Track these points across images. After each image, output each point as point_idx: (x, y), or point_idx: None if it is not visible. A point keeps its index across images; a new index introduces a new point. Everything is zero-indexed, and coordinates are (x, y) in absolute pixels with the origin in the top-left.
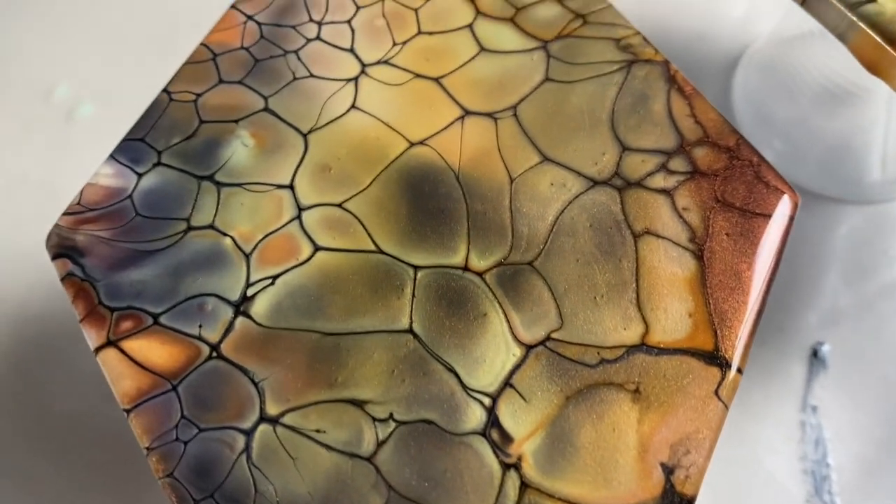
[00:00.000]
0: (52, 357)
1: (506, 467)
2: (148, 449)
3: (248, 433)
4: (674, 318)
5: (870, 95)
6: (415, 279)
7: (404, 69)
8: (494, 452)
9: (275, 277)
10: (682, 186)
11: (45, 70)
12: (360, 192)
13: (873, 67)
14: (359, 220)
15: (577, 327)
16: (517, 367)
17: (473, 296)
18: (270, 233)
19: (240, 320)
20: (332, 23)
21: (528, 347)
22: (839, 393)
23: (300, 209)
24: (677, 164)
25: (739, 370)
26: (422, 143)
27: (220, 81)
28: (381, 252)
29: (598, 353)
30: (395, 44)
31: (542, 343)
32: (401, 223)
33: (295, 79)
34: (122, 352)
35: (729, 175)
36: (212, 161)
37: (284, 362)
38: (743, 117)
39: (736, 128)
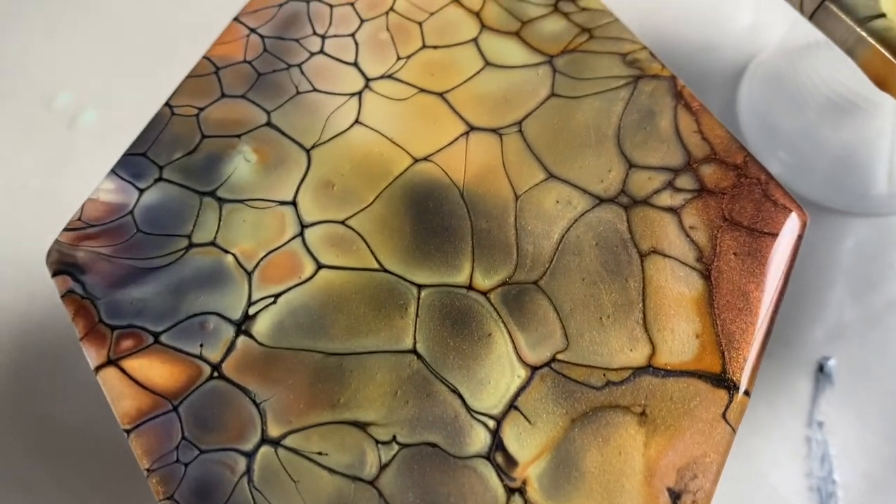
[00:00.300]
0: (52, 366)
1: (510, 492)
2: (148, 470)
3: (250, 455)
4: (681, 340)
5: (876, 107)
6: (418, 298)
7: (408, 84)
8: (499, 476)
9: (277, 296)
10: (690, 205)
11: (47, 77)
12: (363, 208)
13: (882, 83)
14: (362, 238)
15: (583, 348)
16: (522, 388)
17: (478, 315)
18: (273, 250)
19: (241, 339)
20: (336, 36)
21: (534, 369)
22: (845, 409)
23: (303, 226)
24: (684, 181)
25: (747, 392)
26: (426, 159)
27: (223, 95)
28: (385, 270)
29: (604, 375)
30: (399, 58)
31: (547, 364)
32: (404, 241)
33: (298, 93)
34: (123, 371)
35: (736, 193)
36: (214, 176)
37: (286, 383)
38: (749, 128)
39: (742, 140)
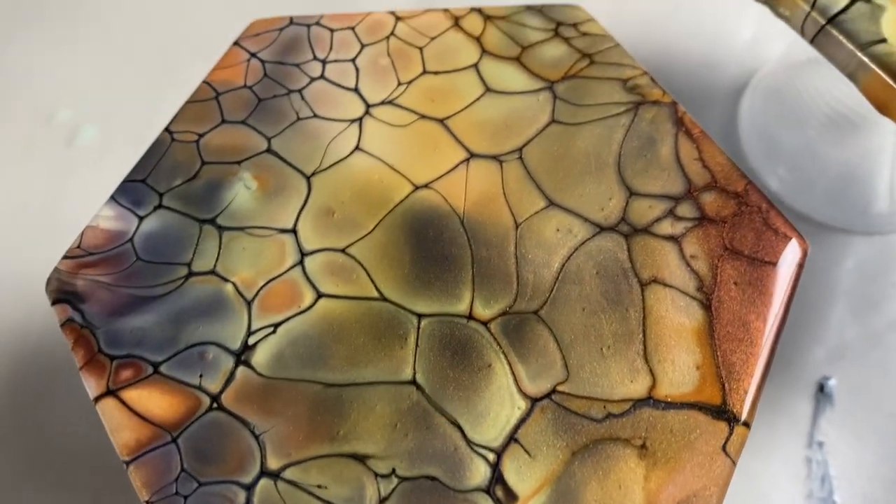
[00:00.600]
0: (51, 386)
1: None
2: (148, 503)
3: (249, 488)
4: (681, 371)
5: (877, 125)
6: (418, 328)
7: (409, 110)
8: None
9: (276, 325)
10: (690, 233)
11: (46, 93)
12: (363, 236)
13: (883, 108)
14: (362, 266)
15: (584, 380)
16: (522, 421)
17: (478, 346)
18: (272, 279)
19: (241, 370)
20: (337, 61)
21: (534, 401)
22: (846, 429)
23: (303, 254)
24: (685, 209)
25: (747, 424)
26: (426, 186)
27: (223, 121)
28: (385, 299)
29: (605, 407)
30: (399, 83)
31: (547, 396)
32: (405, 269)
33: (298, 119)
34: (122, 402)
35: (737, 222)
36: (214, 204)
37: (286, 414)
38: (749, 145)
39: (743, 156)
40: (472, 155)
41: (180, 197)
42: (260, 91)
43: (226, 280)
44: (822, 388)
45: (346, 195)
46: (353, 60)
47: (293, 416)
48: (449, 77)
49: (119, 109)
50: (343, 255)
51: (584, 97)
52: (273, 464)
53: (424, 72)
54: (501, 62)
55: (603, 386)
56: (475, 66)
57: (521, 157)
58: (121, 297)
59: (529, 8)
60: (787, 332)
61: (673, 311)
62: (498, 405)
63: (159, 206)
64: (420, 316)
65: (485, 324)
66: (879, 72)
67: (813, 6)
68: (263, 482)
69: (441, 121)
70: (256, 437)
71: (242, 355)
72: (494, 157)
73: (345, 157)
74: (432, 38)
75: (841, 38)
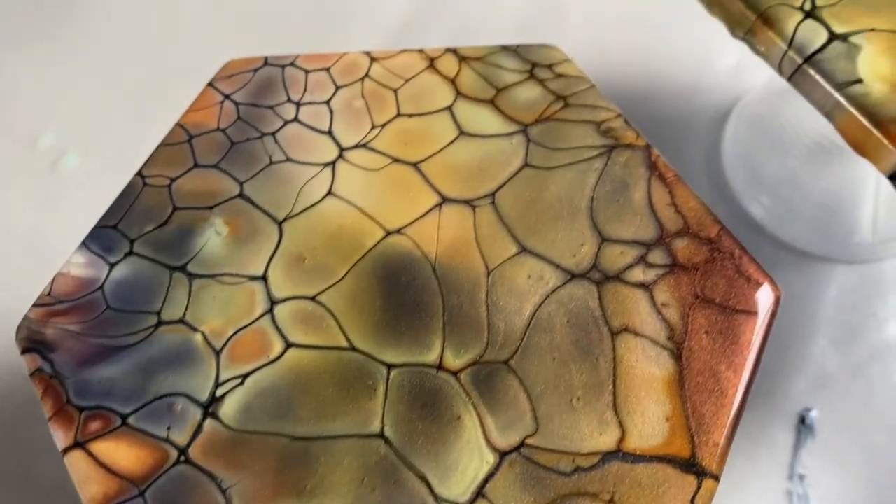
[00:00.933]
0: (32, 417)
1: None
2: None
3: None
4: (651, 423)
5: None
6: (388, 378)
7: (383, 153)
8: None
9: (244, 376)
10: (662, 281)
11: (29, 118)
12: (334, 283)
13: (860, 148)
14: (332, 315)
15: (553, 432)
16: (490, 475)
17: (447, 397)
18: (242, 328)
19: (208, 422)
20: (311, 103)
21: (502, 454)
22: (827, 461)
23: (273, 302)
24: (657, 256)
25: (716, 477)
26: (398, 231)
27: (196, 165)
28: (354, 349)
29: (573, 461)
30: (373, 126)
31: (516, 449)
32: (375, 317)
33: (271, 163)
34: (90, 454)
35: (709, 269)
36: (184, 250)
37: (253, 468)
38: (733, 172)
39: (726, 183)
40: (445, 199)
41: (151, 243)
42: (233, 134)
43: (195, 329)
44: (803, 420)
45: (317, 241)
46: (328, 102)
47: (260, 470)
48: (423, 120)
49: (103, 136)
50: (313, 302)
51: (557, 140)
52: None
53: (398, 114)
54: (476, 104)
55: (572, 438)
56: (449, 108)
57: (493, 202)
58: (90, 346)
59: (505, 48)
60: (768, 362)
61: (643, 361)
62: (466, 459)
63: (130, 253)
64: (390, 366)
65: (455, 374)
66: (855, 113)
67: (790, 45)
68: None
69: (414, 164)
70: (223, 492)
71: (210, 407)
72: (467, 202)
73: (317, 202)
74: (407, 80)
75: (817, 77)
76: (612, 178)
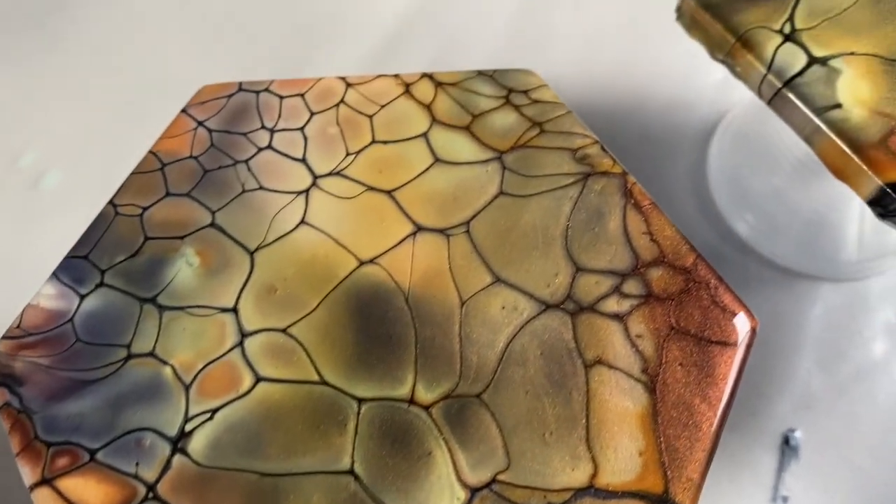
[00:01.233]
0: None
1: None
2: None
3: None
4: (623, 458)
5: None
6: (358, 413)
7: (357, 181)
8: None
9: (214, 411)
10: (636, 311)
11: (10, 136)
12: (305, 315)
13: (839, 173)
14: (303, 347)
15: (524, 468)
16: None
17: (419, 432)
18: (211, 361)
19: (177, 458)
20: (285, 130)
21: (473, 490)
22: (811, 483)
23: (243, 335)
24: (631, 286)
25: None
26: (372, 261)
27: (168, 194)
28: (325, 383)
29: (545, 497)
30: (348, 153)
31: (487, 486)
32: (346, 350)
33: (244, 191)
34: (57, 491)
35: (684, 299)
36: (155, 281)
37: None
38: (718, 189)
39: (711, 200)
40: (420, 228)
41: (122, 274)
42: (206, 162)
43: (165, 363)
44: (787, 441)
45: (289, 271)
46: (302, 129)
47: None
48: (398, 147)
49: (85, 154)
50: (284, 335)
51: (532, 168)
52: None
53: (373, 141)
54: (451, 131)
55: (544, 474)
56: (425, 135)
57: (468, 231)
58: (60, 380)
59: (481, 73)
60: (752, 381)
61: (617, 395)
62: (437, 496)
63: (101, 284)
64: (360, 400)
65: (426, 408)
66: (835, 138)
67: (769, 68)
68: None
69: (389, 192)
70: None
71: (179, 442)
72: (441, 231)
73: (289, 232)
74: (382, 106)
75: (797, 101)
76: (587, 207)
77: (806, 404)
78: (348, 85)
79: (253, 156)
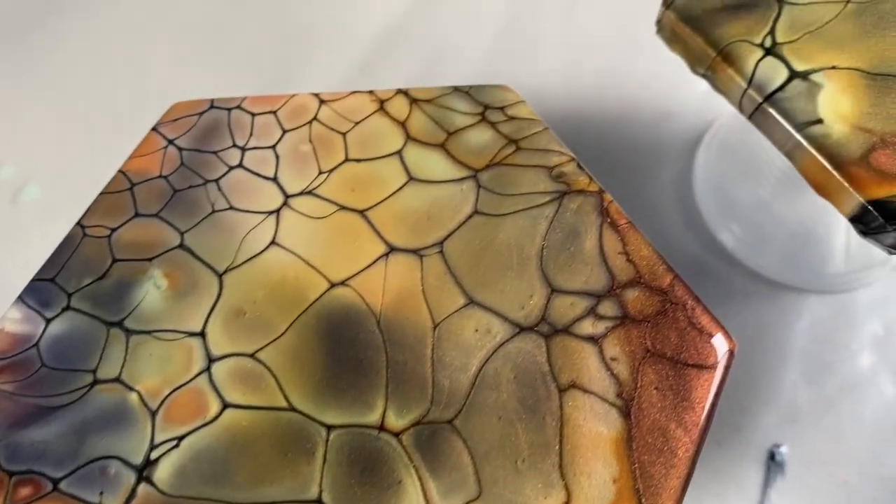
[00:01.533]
0: None
1: None
2: None
3: None
4: (597, 485)
5: None
6: (327, 440)
7: (329, 200)
8: None
9: (180, 438)
10: (612, 334)
11: None
12: (274, 339)
13: (821, 190)
14: (271, 373)
15: (496, 496)
16: None
17: (389, 460)
18: (178, 387)
19: (142, 487)
20: (257, 148)
21: None
22: (797, 499)
23: (210, 360)
24: (607, 307)
25: None
26: (343, 283)
27: (136, 214)
28: (293, 409)
29: None
30: (320, 172)
31: None
32: (316, 375)
33: (214, 211)
34: None
35: (660, 321)
36: (123, 304)
37: None
38: (704, 200)
39: (697, 211)
40: (392, 249)
41: (89, 297)
42: (175, 181)
43: (131, 388)
44: (773, 456)
45: (258, 294)
46: (274, 147)
47: None
48: (371, 165)
49: (64, 167)
50: (252, 360)
51: (508, 186)
52: None
53: (347, 159)
54: (426, 149)
55: (516, 503)
56: (399, 153)
57: (441, 251)
58: (24, 406)
59: (457, 89)
60: (737, 396)
61: (591, 420)
62: None
63: (67, 308)
64: (329, 427)
65: (397, 435)
66: (816, 154)
67: (750, 83)
68: None
69: (361, 212)
70: None
71: (144, 471)
72: (415, 251)
73: (259, 253)
74: (356, 123)
75: (778, 116)
76: (563, 226)
77: (792, 418)
78: (322, 101)
79: (223, 175)
